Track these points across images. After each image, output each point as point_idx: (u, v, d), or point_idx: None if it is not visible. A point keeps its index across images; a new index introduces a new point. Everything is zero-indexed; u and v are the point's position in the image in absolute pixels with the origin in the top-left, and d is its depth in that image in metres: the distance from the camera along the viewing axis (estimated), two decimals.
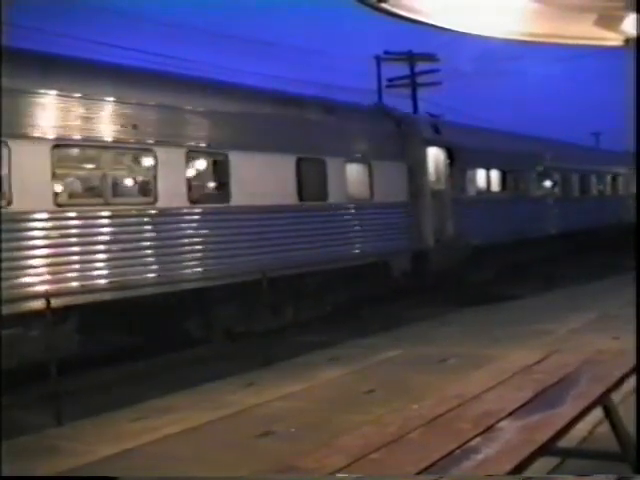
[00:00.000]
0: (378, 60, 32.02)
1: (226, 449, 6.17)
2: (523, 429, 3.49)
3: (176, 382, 8.80)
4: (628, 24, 4.03)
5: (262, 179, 11.83)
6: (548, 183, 22.45)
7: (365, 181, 14.34)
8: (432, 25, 4.03)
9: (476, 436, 3.36)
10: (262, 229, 11.83)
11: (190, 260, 10.70)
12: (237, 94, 12.45)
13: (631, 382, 4.58)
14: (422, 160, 16.02)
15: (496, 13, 4.04)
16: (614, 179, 28.24)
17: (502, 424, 3.56)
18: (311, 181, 12.93)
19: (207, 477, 5.50)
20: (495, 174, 19.51)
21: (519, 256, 19.48)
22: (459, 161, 17.11)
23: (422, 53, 32.05)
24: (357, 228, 14.01)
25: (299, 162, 12.59)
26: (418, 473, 2.93)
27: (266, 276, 10.50)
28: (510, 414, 3.71)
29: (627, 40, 4.23)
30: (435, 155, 16.62)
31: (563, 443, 4.00)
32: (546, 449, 3.37)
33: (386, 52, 32.21)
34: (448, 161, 16.84)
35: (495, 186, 19.51)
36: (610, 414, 4.46)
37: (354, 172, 14.04)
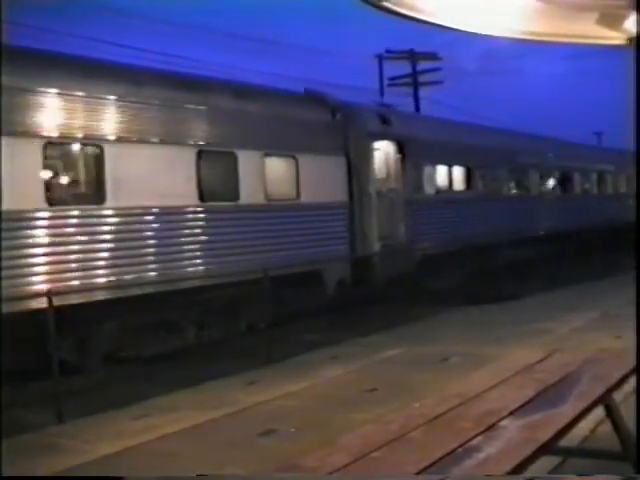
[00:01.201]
0: (380, 59, 32.00)
1: (228, 447, 6.17)
2: (525, 428, 3.49)
3: (178, 380, 8.80)
4: (630, 23, 4.02)
5: (150, 176, 9.92)
6: (524, 181, 21.03)
7: (290, 178, 12.41)
8: (434, 24, 4.02)
9: (477, 435, 3.36)
10: (148, 234, 9.99)
11: (60, 272, 8.84)
12: (122, 76, 10.13)
13: (633, 381, 4.58)
14: (366, 155, 14.16)
15: (498, 12, 4.03)
16: (602, 177, 26.41)
17: (504, 423, 3.56)
18: (217, 178, 11.18)
19: (208, 476, 5.50)
20: (459, 171, 17.69)
21: (491, 261, 17.62)
22: (414, 156, 15.28)
23: (424, 52, 32.03)
24: (278, 233, 11.99)
25: (200, 156, 10.66)
26: (419, 472, 2.93)
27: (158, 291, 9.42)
28: (511, 413, 3.71)
29: (629, 39, 4.22)
30: (383, 149, 14.80)
31: (565, 442, 4.00)
32: (548, 448, 3.37)
33: (388, 51, 32.19)
34: (399, 156, 14.95)
35: (459, 184, 17.67)
36: (612, 413, 4.46)
37: (276, 168, 12.19)
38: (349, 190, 13.71)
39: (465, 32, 4.18)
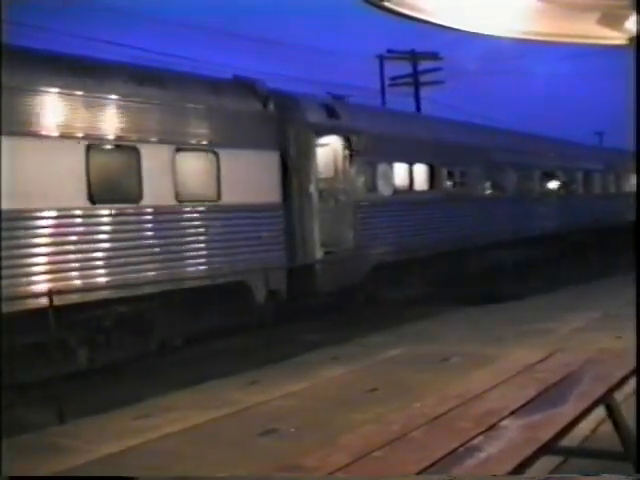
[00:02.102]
0: (381, 59, 32.01)
1: (228, 447, 6.17)
2: (525, 428, 3.49)
3: (179, 380, 8.81)
4: (631, 23, 4.03)
5: (26, 173, 8.56)
6: (500, 181, 19.42)
7: (209, 177, 10.90)
8: (435, 24, 4.03)
9: (478, 435, 3.36)
10: (18, 241, 8.50)
11: None
12: None
13: (634, 381, 4.58)
14: (307, 151, 12.68)
15: (499, 12, 4.04)
16: (589, 177, 24.74)
17: (504, 423, 3.56)
18: (112, 176, 9.73)
19: (211, 477, 5.50)
20: (422, 170, 16.02)
21: (461, 268, 16.23)
22: (366, 153, 13.79)
23: (425, 52, 32.04)
24: (193, 239, 10.62)
25: (91, 150, 9.27)
26: (420, 472, 2.93)
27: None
28: (512, 413, 3.71)
29: (630, 39, 4.22)
30: (330, 145, 13.49)
31: (565, 442, 4.01)
32: (548, 448, 3.37)
33: (389, 51, 32.20)
34: (348, 153, 13.50)
35: (422, 184, 15.95)
36: (613, 413, 4.46)
37: (191, 165, 10.71)
38: (284, 190, 12.24)
39: (466, 32, 4.18)
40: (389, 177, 14.80)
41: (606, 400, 4.29)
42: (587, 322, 11.37)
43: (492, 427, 3.48)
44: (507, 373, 4.67)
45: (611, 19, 4.10)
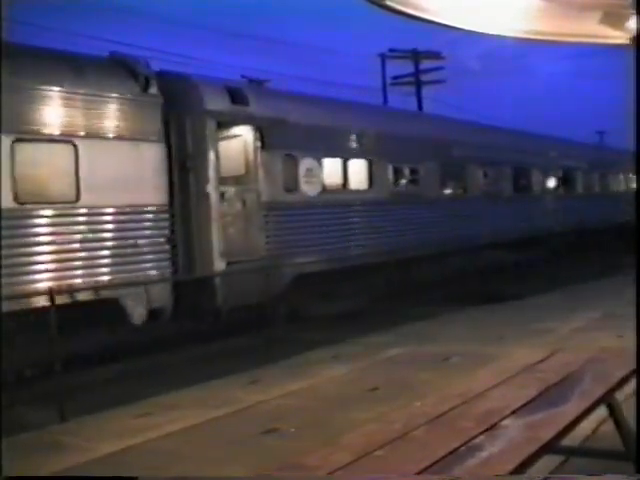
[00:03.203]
0: (383, 58, 32.01)
1: (229, 446, 6.17)
2: (527, 427, 3.49)
3: (180, 379, 8.81)
4: (632, 22, 4.02)
5: None
6: (462, 180, 17.58)
7: (64, 173, 9.24)
8: (437, 23, 4.02)
9: (480, 434, 3.36)
10: None
11: None
12: None
13: (635, 380, 4.58)
14: (202, 143, 10.84)
15: (501, 11, 4.04)
16: (569, 175, 22.76)
17: (506, 422, 3.56)
18: None
19: (211, 477, 5.50)
20: (358, 166, 13.90)
21: (408, 278, 14.37)
22: (283, 147, 11.97)
23: (427, 51, 32.05)
24: (37, 249, 8.92)
25: None
26: (422, 471, 2.93)
27: None
28: (514, 412, 3.71)
29: (632, 38, 4.22)
30: (238, 137, 11.81)
31: (567, 441, 4.01)
32: (550, 447, 3.37)
33: (391, 50, 32.21)
34: (260, 146, 11.63)
35: (357, 183, 13.83)
36: (614, 412, 4.45)
37: (37, 159, 9.06)
38: (171, 189, 10.50)
39: (468, 31, 4.18)
40: (315, 174, 12.76)
41: (607, 399, 4.29)
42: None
43: (493, 426, 3.48)
44: (508, 372, 4.67)
45: (612, 18, 4.10)
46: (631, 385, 4.63)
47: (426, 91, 32.43)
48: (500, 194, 18.88)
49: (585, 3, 4.00)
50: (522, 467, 2.99)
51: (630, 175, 26.52)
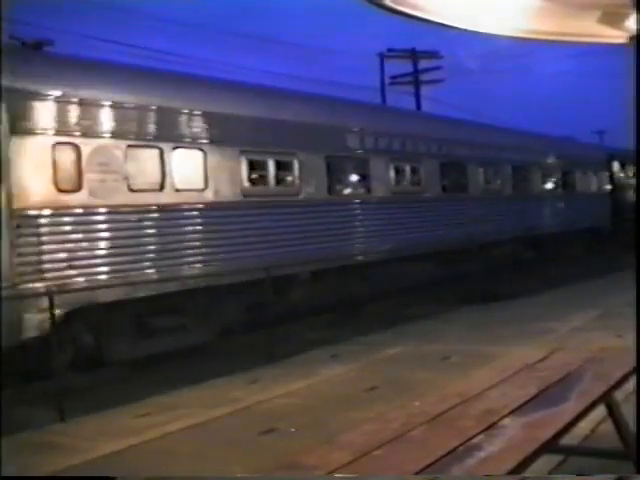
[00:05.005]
0: (381, 57, 32.00)
1: (229, 446, 6.18)
2: (526, 427, 3.49)
3: (179, 379, 8.81)
4: (632, 22, 4.03)
5: None
6: (401, 177, 14.47)
7: None
8: (436, 22, 4.03)
9: (479, 434, 3.36)
10: None
11: None
12: None
13: (634, 380, 4.58)
14: None
15: (501, 10, 4.04)
16: (523, 173, 19.20)
17: (505, 422, 3.56)
18: None
19: (208, 477, 5.50)
20: (187, 157, 10.36)
21: (301, 297, 12.08)
22: (55, 130, 8.78)
23: (425, 50, 32.05)
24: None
25: None
26: (421, 470, 2.93)
27: None
28: (513, 412, 3.71)
29: (631, 37, 4.22)
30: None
31: (566, 440, 4.01)
32: (549, 447, 3.37)
33: (389, 49, 32.19)
34: (11, 128, 8.29)
35: (185, 181, 10.24)
36: (613, 412, 4.46)
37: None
38: None
39: (468, 31, 4.18)
40: (113, 169, 9.38)
41: (606, 399, 4.29)
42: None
43: (492, 426, 3.48)
44: (507, 372, 4.67)
45: (612, 18, 4.10)
46: (630, 384, 4.64)
47: (425, 90, 32.45)
48: (453, 194, 16.16)
49: (584, 2, 4.00)
50: (521, 466, 2.99)
51: (605, 173, 24.27)
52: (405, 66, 32.33)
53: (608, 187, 24.44)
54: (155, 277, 9.67)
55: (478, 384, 4.39)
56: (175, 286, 9.87)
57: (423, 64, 32.19)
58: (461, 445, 3.20)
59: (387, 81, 32.21)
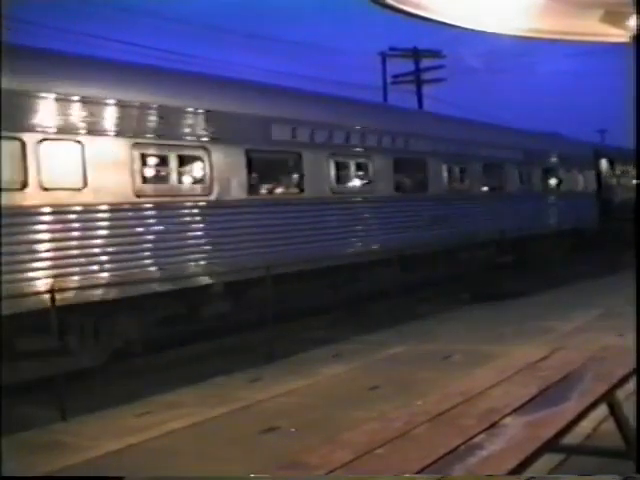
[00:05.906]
0: (383, 56, 31.99)
1: (230, 445, 6.18)
2: (527, 426, 3.49)
3: (181, 377, 8.82)
4: (633, 21, 4.03)
5: None
6: (343, 174, 12.96)
7: None
8: (439, 22, 4.03)
9: (480, 433, 3.36)
10: None
11: None
12: None
13: (636, 379, 4.58)
14: None
15: (503, 9, 4.04)
16: (492, 169, 17.51)
17: (506, 421, 3.56)
18: None
19: (208, 477, 5.51)
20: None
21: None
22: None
23: (427, 49, 32.03)
24: None
25: None
26: (422, 469, 2.93)
27: None
28: (514, 411, 3.71)
29: (632, 37, 4.22)
30: None
31: (567, 440, 4.01)
32: (550, 446, 3.37)
33: (391, 48, 32.18)
34: None
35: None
36: (614, 411, 4.46)
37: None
38: None
39: (470, 30, 4.18)
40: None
41: (608, 398, 4.29)
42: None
43: (494, 425, 3.48)
44: (509, 371, 4.67)
45: (613, 17, 4.11)
46: (632, 384, 4.63)
47: (430, 90, 32.43)
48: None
49: (586, 1, 4.00)
50: (523, 466, 2.99)
51: (592, 171, 23.20)
52: (408, 65, 32.34)
53: (594, 186, 23.20)
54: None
55: (479, 383, 4.39)
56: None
57: (425, 63, 32.19)
58: (463, 444, 3.21)
59: (389, 80, 32.22)
